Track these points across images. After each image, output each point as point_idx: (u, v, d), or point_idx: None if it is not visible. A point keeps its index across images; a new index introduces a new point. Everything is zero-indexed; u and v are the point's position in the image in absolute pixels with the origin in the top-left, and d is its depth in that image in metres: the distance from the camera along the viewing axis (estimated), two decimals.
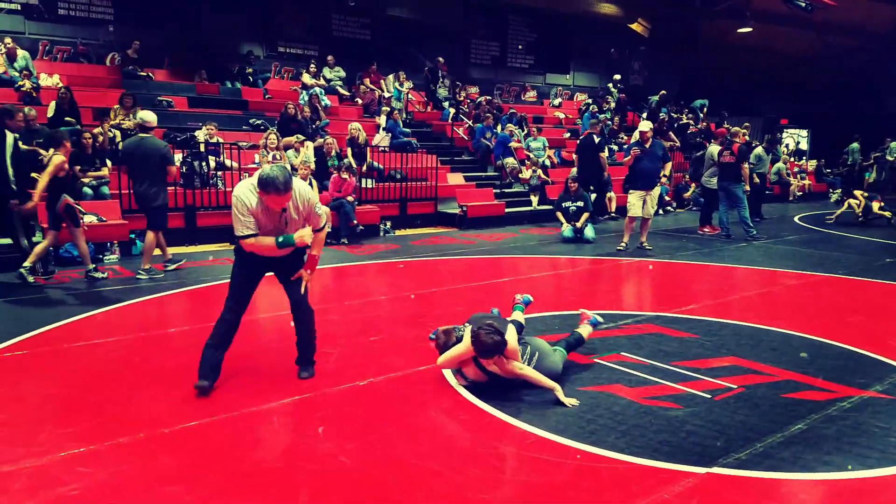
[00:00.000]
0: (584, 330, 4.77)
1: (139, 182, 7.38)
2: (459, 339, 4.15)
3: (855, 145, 20.63)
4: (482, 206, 12.43)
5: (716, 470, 3.18)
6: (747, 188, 10.93)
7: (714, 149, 11.66)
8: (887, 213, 13.02)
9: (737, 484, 3.08)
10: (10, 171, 7.05)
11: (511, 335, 4.04)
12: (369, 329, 5.45)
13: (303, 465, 3.19)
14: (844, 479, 3.13)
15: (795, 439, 3.52)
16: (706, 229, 11.65)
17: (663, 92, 18.94)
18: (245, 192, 3.86)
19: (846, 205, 13.52)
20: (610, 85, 20.15)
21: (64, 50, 13.66)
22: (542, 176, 14.07)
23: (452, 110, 16.20)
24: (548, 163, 15.03)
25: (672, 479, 3.09)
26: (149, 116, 7.55)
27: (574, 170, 13.22)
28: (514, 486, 3.03)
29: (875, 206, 13.19)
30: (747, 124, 15.80)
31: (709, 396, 4.10)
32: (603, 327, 5.54)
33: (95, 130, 9.48)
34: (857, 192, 13.47)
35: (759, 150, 13.73)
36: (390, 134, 13.12)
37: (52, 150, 6.99)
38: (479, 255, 9.28)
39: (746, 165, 11.06)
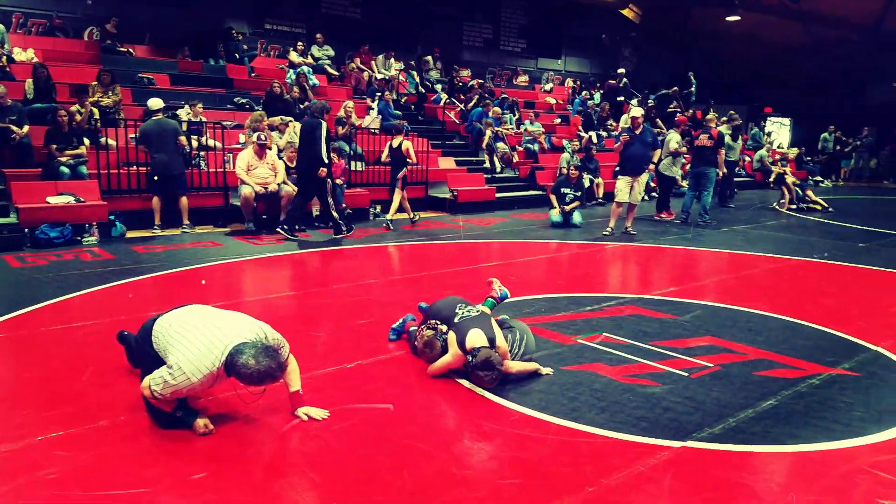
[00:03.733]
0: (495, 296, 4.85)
1: (160, 155, 8.88)
2: (444, 347, 4.08)
3: (826, 134, 20.98)
4: (473, 190, 12.49)
5: (690, 444, 3.31)
6: (720, 173, 11.16)
7: (673, 136, 11.82)
8: (818, 205, 13.37)
9: (710, 456, 3.21)
10: None
11: (500, 337, 4.03)
12: (358, 312, 5.49)
13: (290, 446, 3.25)
14: (811, 450, 3.28)
15: (766, 414, 3.66)
16: (663, 214, 11.84)
17: (675, 88, 18.88)
18: (199, 369, 3.02)
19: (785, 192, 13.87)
20: (621, 70, 19.98)
21: (39, 23, 13.20)
22: (507, 150, 14.17)
23: (444, 95, 16.14)
24: (537, 148, 15.09)
25: (649, 452, 3.22)
26: (154, 103, 9.12)
27: (577, 157, 13.35)
28: (497, 462, 3.14)
29: (810, 194, 13.49)
30: (731, 112, 15.91)
31: (686, 374, 4.24)
32: (586, 309, 5.68)
33: (72, 108, 9.31)
34: (789, 180, 13.66)
35: (727, 138, 13.91)
36: (381, 116, 13.09)
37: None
38: (468, 239, 9.36)
39: (723, 151, 11.27)
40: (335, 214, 9.16)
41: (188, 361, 3.01)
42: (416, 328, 4.49)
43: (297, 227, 9.00)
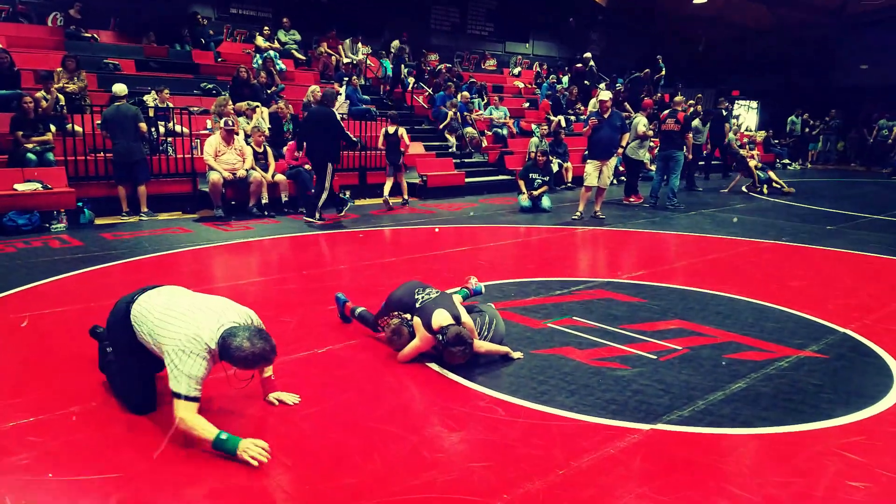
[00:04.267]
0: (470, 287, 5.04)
1: (120, 141, 8.79)
2: (412, 333, 4.08)
3: (794, 117, 21.32)
4: (442, 175, 12.44)
5: (660, 426, 3.34)
6: (689, 156, 11.27)
7: (640, 120, 11.90)
8: (781, 186, 13.65)
9: (680, 439, 3.23)
10: None
11: (464, 314, 4.06)
12: (328, 298, 5.45)
13: (262, 431, 3.21)
14: (780, 433, 3.32)
15: (735, 397, 3.70)
16: (632, 198, 11.93)
17: (647, 70, 18.92)
18: (203, 351, 2.91)
19: (739, 176, 14.11)
20: (588, 55, 20.01)
21: (2, 9, 13.04)
22: (476, 135, 14.17)
23: (412, 79, 16.05)
24: (506, 132, 15.07)
25: (618, 435, 3.23)
26: (119, 88, 9.12)
27: (545, 142, 13.38)
28: (468, 445, 3.13)
29: (772, 175, 13.80)
30: (699, 95, 16.10)
31: (655, 357, 4.26)
32: (556, 293, 5.69)
33: (38, 95, 9.14)
34: (751, 164, 13.89)
35: (696, 121, 14.06)
36: (349, 101, 12.96)
37: None
38: (438, 224, 9.33)
39: (690, 134, 11.37)
40: (337, 194, 9.78)
41: (189, 341, 2.88)
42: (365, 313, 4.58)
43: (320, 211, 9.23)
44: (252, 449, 2.85)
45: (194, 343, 2.88)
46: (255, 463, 2.80)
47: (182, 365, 2.85)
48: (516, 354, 4.19)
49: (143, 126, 9.12)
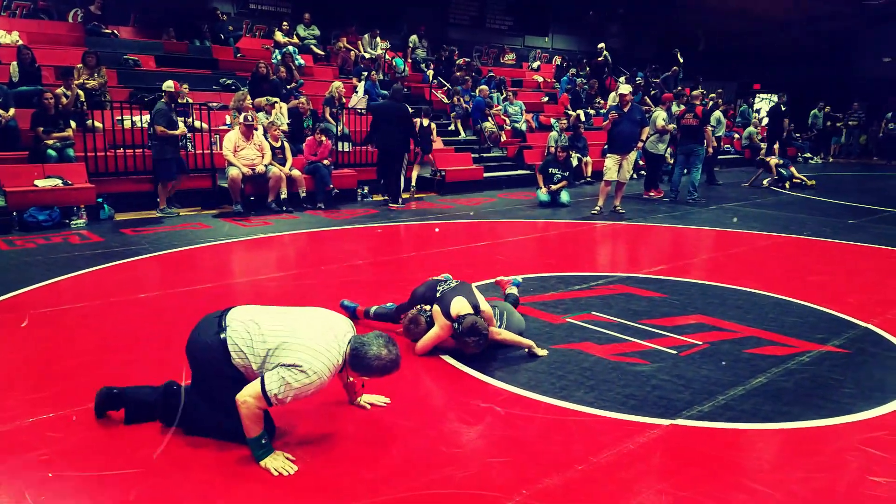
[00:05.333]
0: (513, 290, 4.98)
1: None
2: (430, 322, 4.09)
3: (816, 111, 21.02)
4: (461, 170, 12.41)
5: (679, 421, 3.31)
6: (710, 150, 11.16)
7: (659, 114, 11.77)
8: (803, 181, 13.45)
9: (699, 434, 3.21)
10: None
11: (483, 302, 4.07)
12: (346, 292, 5.46)
13: (278, 426, 3.17)
14: (801, 428, 3.28)
15: (756, 392, 3.66)
16: (651, 193, 11.83)
17: (675, 68, 18.72)
18: (328, 366, 2.81)
19: (761, 171, 13.91)
20: (602, 46, 19.78)
21: (23, 6, 13.10)
22: (494, 129, 14.18)
23: (431, 72, 16.01)
24: (524, 127, 15.00)
25: (638, 430, 3.21)
26: (166, 85, 9.15)
27: (564, 136, 13.33)
28: (486, 440, 3.13)
29: (793, 170, 13.60)
30: (720, 90, 15.92)
31: (674, 352, 4.23)
32: (575, 288, 5.67)
33: (58, 91, 9.22)
34: (772, 162, 13.67)
35: (717, 113, 13.90)
36: (367, 95, 12.97)
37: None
38: (456, 219, 9.32)
39: (709, 128, 11.25)
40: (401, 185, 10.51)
41: (316, 358, 2.75)
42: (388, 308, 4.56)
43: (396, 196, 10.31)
44: (277, 461, 2.82)
45: (318, 360, 2.76)
46: (276, 473, 2.77)
47: (291, 377, 2.73)
48: (541, 351, 4.13)
49: (158, 128, 8.94)
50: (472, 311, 3.92)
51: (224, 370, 2.87)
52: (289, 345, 2.78)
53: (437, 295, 4.11)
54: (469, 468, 2.86)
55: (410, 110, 10.76)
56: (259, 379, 2.77)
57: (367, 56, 15.38)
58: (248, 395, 2.75)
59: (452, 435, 3.16)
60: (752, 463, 2.97)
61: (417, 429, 3.20)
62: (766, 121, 22.28)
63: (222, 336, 2.88)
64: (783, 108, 16.28)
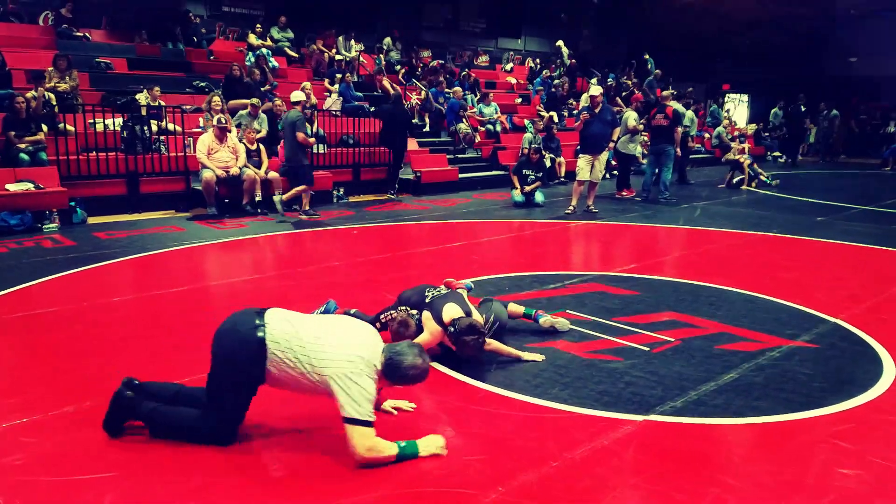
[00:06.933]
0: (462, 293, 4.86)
1: None
2: (419, 325, 4.03)
3: (776, 109, 21.34)
4: (436, 171, 12.44)
5: (653, 417, 3.37)
6: (679, 152, 11.30)
7: (630, 114, 11.92)
8: (766, 178, 13.71)
9: (672, 430, 3.27)
10: None
11: (475, 313, 4.04)
12: (325, 294, 5.45)
13: (256, 431, 3.20)
14: (772, 422, 3.36)
15: (727, 387, 3.74)
16: (624, 192, 11.97)
17: (658, 72, 18.89)
18: (370, 374, 2.84)
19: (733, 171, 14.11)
20: (561, 43, 19.91)
21: None
22: (468, 131, 14.25)
23: (402, 71, 16.01)
24: (499, 128, 15.06)
25: (612, 426, 3.27)
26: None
27: (538, 137, 13.45)
28: (464, 438, 3.16)
29: (755, 167, 13.86)
30: (690, 89, 16.13)
31: (647, 349, 4.30)
32: (550, 287, 5.72)
33: (28, 94, 9.09)
34: (742, 158, 13.89)
35: (689, 112, 14.08)
36: (342, 98, 12.95)
37: None
38: (433, 220, 9.35)
39: (680, 129, 11.40)
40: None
41: (355, 364, 2.79)
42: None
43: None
44: (431, 446, 2.93)
45: (358, 364, 2.80)
46: (445, 452, 2.94)
47: (352, 389, 2.75)
48: (538, 357, 4.10)
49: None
50: (465, 316, 3.89)
51: (246, 367, 2.88)
52: (325, 354, 2.82)
53: (427, 301, 4.08)
54: (446, 466, 2.89)
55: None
56: (346, 427, 2.77)
57: (341, 58, 15.34)
58: (360, 445, 2.77)
59: (429, 433, 3.18)
60: (724, 457, 3.04)
61: (394, 428, 3.21)
62: (737, 121, 22.62)
63: (259, 334, 2.87)
64: (803, 109, 16.27)
